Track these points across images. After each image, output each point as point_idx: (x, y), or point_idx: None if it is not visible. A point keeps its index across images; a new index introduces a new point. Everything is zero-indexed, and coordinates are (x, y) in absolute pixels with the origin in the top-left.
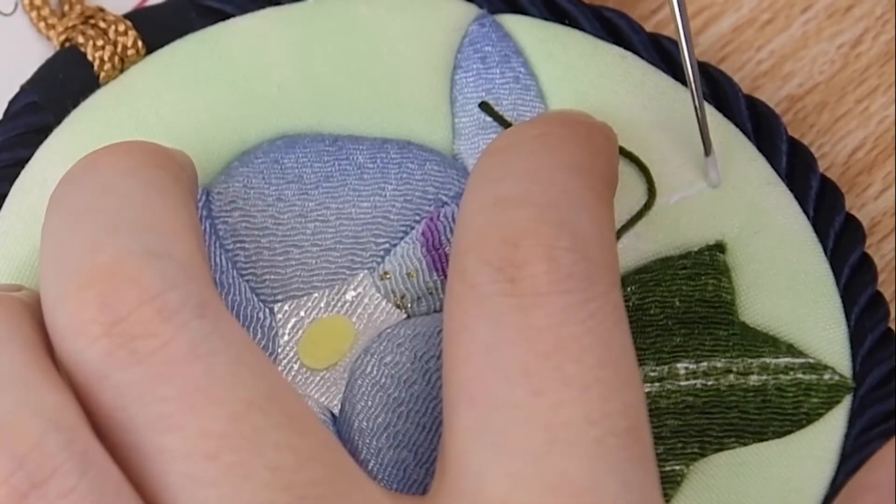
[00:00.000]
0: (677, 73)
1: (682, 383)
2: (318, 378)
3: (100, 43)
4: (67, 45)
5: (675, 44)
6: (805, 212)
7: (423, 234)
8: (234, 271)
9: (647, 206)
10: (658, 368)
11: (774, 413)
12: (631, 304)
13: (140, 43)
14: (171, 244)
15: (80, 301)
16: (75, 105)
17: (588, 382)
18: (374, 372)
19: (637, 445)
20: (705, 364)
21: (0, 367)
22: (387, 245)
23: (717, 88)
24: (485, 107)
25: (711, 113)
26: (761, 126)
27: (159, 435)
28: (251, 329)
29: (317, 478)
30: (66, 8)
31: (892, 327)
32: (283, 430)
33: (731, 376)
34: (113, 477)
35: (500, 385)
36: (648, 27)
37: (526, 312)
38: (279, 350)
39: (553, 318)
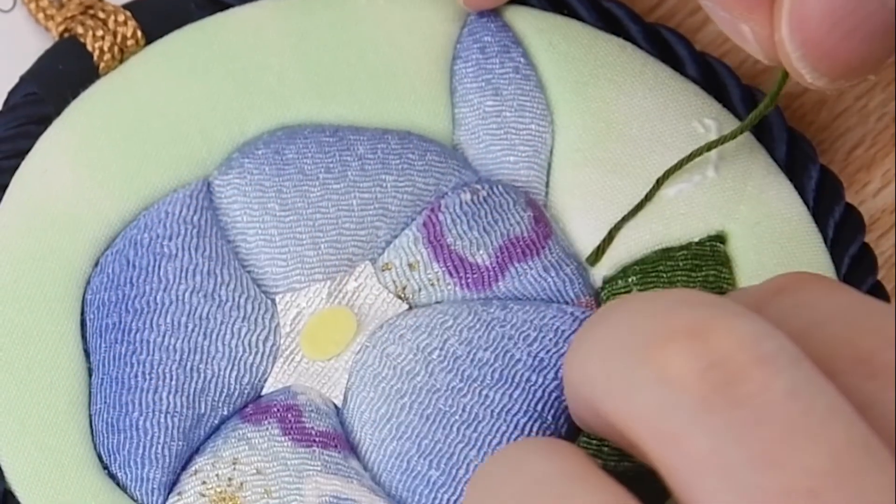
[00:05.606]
0: (675, 64)
1: None
2: (319, 369)
3: (99, 33)
4: (67, 35)
5: (674, 33)
6: (805, 202)
7: (424, 224)
8: (236, 262)
9: (648, 197)
10: None
11: None
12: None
13: (139, 33)
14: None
15: (665, 352)
16: (75, 96)
17: None
18: (376, 363)
19: None
20: None
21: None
22: (388, 236)
23: (716, 79)
24: None
25: (711, 104)
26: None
27: (757, 474)
28: (253, 321)
29: None
30: None
31: None
32: (885, 472)
33: None
34: None
35: None
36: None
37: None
38: (281, 341)
39: None
